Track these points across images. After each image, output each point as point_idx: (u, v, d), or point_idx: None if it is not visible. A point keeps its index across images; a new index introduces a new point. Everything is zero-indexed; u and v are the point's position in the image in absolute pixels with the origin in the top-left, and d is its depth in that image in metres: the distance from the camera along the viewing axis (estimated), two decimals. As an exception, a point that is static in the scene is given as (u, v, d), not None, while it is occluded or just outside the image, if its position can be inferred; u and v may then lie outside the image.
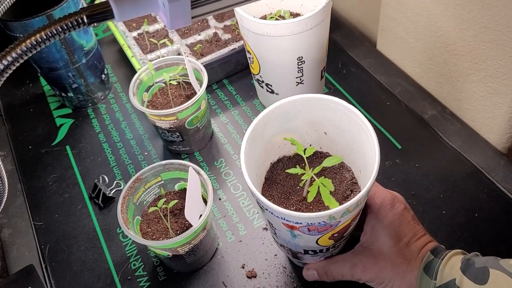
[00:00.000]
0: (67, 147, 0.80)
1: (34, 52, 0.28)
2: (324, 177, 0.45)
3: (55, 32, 0.28)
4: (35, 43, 0.28)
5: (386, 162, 0.69)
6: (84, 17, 0.29)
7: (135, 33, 0.89)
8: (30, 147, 0.81)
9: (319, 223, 0.39)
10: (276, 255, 0.62)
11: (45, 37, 0.28)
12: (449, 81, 0.72)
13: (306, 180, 0.47)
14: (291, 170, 0.47)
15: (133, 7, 0.30)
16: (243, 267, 0.61)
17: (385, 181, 0.67)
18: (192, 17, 0.31)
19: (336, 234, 0.45)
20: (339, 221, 0.41)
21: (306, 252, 0.48)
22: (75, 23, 0.29)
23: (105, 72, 0.85)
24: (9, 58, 0.28)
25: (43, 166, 0.77)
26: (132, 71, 0.88)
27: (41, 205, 0.72)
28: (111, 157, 0.77)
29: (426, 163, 0.68)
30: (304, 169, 0.47)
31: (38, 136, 0.82)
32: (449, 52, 0.69)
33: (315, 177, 0.45)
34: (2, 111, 0.88)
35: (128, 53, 0.85)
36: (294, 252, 0.50)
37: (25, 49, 0.28)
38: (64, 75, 0.78)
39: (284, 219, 0.40)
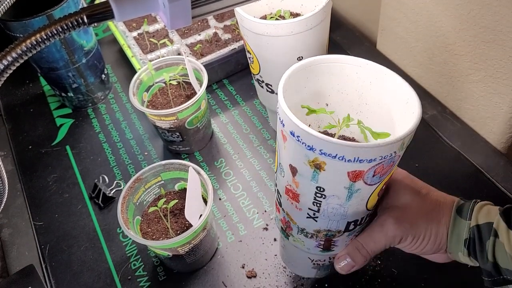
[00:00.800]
0: (67, 147, 0.80)
1: (34, 52, 0.28)
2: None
3: (55, 32, 0.28)
4: (35, 43, 0.28)
5: (386, 162, 0.69)
6: (84, 17, 0.29)
7: (135, 33, 0.89)
8: (30, 147, 0.81)
9: (391, 155, 0.37)
10: (276, 255, 0.62)
11: (45, 37, 0.28)
12: (449, 81, 0.72)
13: (337, 132, 0.44)
14: (327, 127, 0.44)
15: (133, 7, 0.30)
16: (243, 267, 0.61)
17: (385, 181, 0.67)
18: (193, 17, 0.31)
19: (384, 187, 0.43)
20: (400, 156, 0.40)
21: (346, 228, 0.45)
22: (75, 23, 0.29)
23: (105, 72, 0.85)
24: (9, 58, 0.28)
25: (43, 166, 0.77)
26: (132, 71, 0.88)
27: (41, 205, 0.72)
28: (111, 157, 0.77)
29: (425, 163, 0.68)
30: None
31: (38, 136, 0.82)
32: (449, 52, 0.69)
33: (349, 124, 0.42)
34: (2, 111, 0.88)
35: (128, 53, 0.85)
36: (331, 236, 0.46)
37: (25, 49, 0.28)
38: (64, 75, 0.78)
39: (357, 159, 0.37)
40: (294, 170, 0.41)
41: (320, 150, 0.37)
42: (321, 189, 0.41)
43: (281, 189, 0.46)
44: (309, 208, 0.44)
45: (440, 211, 0.45)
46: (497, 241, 0.41)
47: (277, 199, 0.50)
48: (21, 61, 0.28)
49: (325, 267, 0.55)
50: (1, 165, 0.36)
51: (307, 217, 0.45)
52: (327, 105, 0.48)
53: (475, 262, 0.44)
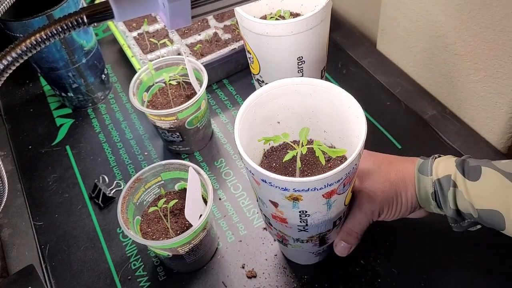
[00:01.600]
0: (67, 147, 0.80)
1: (34, 52, 0.28)
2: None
3: (55, 32, 0.28)
4: (35, 43, 0.28)
5: (386, 162, 0.69)
6: (84, 17, 0.29)
7: (135, 33, 0.89)
8: (30, 147, 0.81)
9: (353, 168, 0.42)
10: (276, 255, 0.62)
11: (45, 37, 0.28)
12: (449, 81, 0.72)
13: (296, 155, 0.47)
14: (288, 156, 0.47)
15: (133, 7, 0.30)
16: (243, 267, 0.61)
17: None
18: (192, 17, 0.31)
19: (353, 185, 0.49)
20: (359, 162, 0.45)
21: (334, 225, 0.50)
22: (75, 23, 0.29)
23: (105, 72, 0.85)
24: (9, 58, 0.28)
25: (43, 166, 0.77)
26: (132, 71, 0.88)
27: (41, 205, 0.72)
28: (111, 157, 0.77)
29: (426, 163, 0.68)
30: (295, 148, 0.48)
31: (38, 136, 0.82)
32: (449, 52, 0.69)
33: (306, 147, 0.47)
34: (2, 111, 0.88)
35: (128, 53, 0.85)
36: (323, 235, 0.51)
37: (25, 49, 0.28)
38: (64, 75, 0.78)
39: (327, 185, 0.41)
40: (275, 204, 0.45)
41: (293, 189, 0.41)
42: (304, 211, 0.45)
43: (268, 215, 0.50)
44: (298, 225, 0.48)
45: (404, 176, 0.50)
46: (457, 191, 0.47)
47: (265, 221, 0.54)
48: (21, 61, 0.28)
49: (325, 251, 0.59)
50: (1, 165, 0.36)
51: (299, 231, 0.49)
52: (279, 123, 0.52)
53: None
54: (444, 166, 0.49)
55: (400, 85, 0.80)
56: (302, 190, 0.41)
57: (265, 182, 0.42)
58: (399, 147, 0.71)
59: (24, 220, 0.71)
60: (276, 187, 0.42)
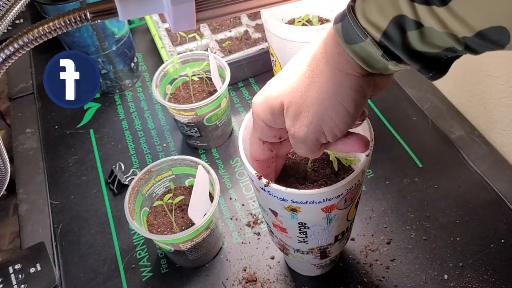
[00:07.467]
0: (91, 131, 0.81)
1: (37, 44, 0.29)
2: None
3: (58, 26, 0.28)
4: (37, 36, 0.28)
5: (404, 179, 0.67)
6: (88, 14, 0.29)
7: (167, 24, 0.89)
8: (56, 127, 0.83)
9: (355, 184, 0.41)
10: (279, 262, 0.61)
11: (47, 31, 0.28)
12: (481, 102, 0.69)
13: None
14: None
15: (137, 6, 0.30)
16: (244, 270, 0.61)
17: (400, 199, 0.65)
18: (197, 21, 0.31)
19: (357, 201, 0.47)
20: (363, 179, 0.44)
21: (335, 239, 0.49)
22: (78, 19, 0.29)
23: (135, 61, 0.86)
24: (11, 49, 0.28)
25: (66, 147, 0.79)
26: (162, 62, 0.88)
27: (60, 185, 0.74)
28: (131, 145, 0.78)
29: (446, 185, 0.66)
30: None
31: (65, 117, 0.85)
32: (483, 72, 0.66)
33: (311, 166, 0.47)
34: (35, 90, 0.91)
35: (158, 44, 0.86)
36: (324, 248, 0.50)
37: (27, 40, 0.28)
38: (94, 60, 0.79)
39: (326, 199, 0.40)
40: (274, 213, 0.45)
41: (291, 200, 0.41)
42: (303, 223, 0.45)
43: (269, 223, 0.50)
44: (297, 236, 0.47)
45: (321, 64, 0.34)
46: (424, 30, 0.30)
47: (268, 228, 0.53)
48: (19, 55, 0.28)
49: (328, 265, 0.58)
50: (5, 153, 0.37)
51: (299, 242, 0.48)
52: None
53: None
54: (378, 11, 0.31)
55: (429, 101, 0.77)
56: (300, 202, 0.41)
57: (264, 190, 0.42)
58: (420, 165, 0.68)
59: (42, 197, 0.73)
60: (274, 196, 0.42)
